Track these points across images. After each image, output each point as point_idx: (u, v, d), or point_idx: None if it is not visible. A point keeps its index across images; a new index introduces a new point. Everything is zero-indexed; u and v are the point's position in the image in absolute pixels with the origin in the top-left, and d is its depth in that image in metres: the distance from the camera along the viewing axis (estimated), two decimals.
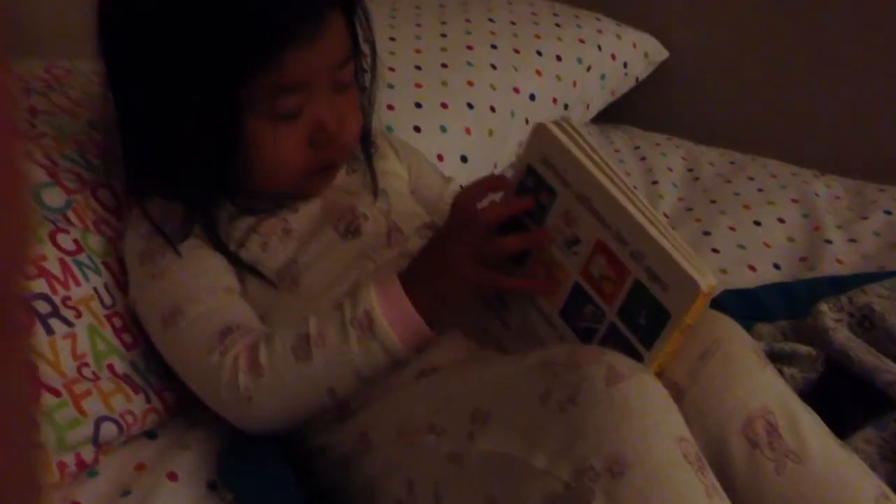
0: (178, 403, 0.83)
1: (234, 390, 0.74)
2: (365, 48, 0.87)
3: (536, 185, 0.74)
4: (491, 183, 0.79)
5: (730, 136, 1.57)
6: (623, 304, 0.69)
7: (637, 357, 0.67)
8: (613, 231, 0.68)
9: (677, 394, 0.68)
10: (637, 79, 1.61)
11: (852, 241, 1.21)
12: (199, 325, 0.77)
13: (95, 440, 0.75)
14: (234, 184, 0.83)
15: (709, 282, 0.64)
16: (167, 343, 0.80)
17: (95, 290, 0.81)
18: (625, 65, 1.55)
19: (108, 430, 0.76)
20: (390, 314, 0.74)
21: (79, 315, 0.79)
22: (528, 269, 0.76)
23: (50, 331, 0.76)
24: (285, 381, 0.74)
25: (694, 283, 0.64)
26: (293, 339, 0.75)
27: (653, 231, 0.66)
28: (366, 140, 0.91)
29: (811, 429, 0.69)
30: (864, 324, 0.97)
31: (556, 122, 0.73)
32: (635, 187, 1.30)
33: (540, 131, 0.73)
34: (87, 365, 0.78)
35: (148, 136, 0.82)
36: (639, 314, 0.67)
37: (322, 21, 0.77)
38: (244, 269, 0.82)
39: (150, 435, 0.82)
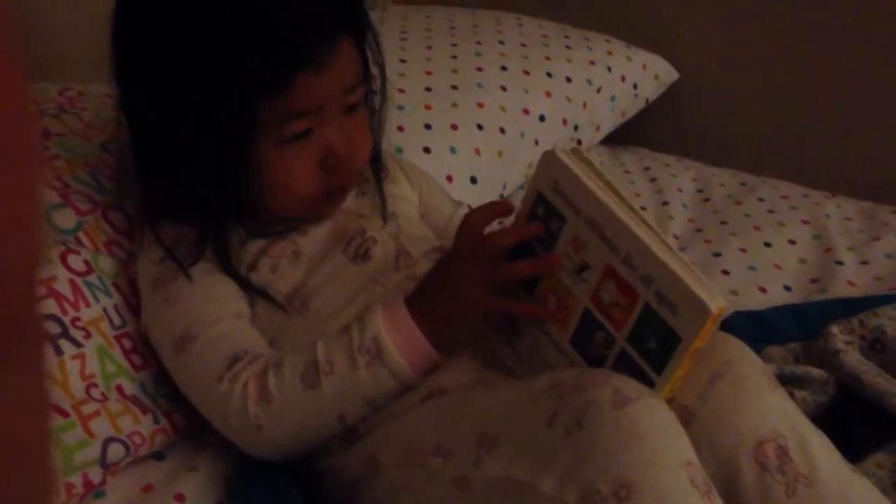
0: (188, 425, 0.83)
1: (243, 418, 0.74)
2: (375, 70, 0.87)
3: (546, 212, 0.74)
4: (499, 208, 0.79)
5: (740, 157, 1.57)
6: (633, 330, 0.68)
7: (648, 383, 0.66)
8: (622, 256, 0.68)
9: (687, 417, 0.68)
10: (647, 100, 1.61)
11: (864, 262, 1.21)
12: (209, 351, 0.77)
13: (103, 461, 0.75)
14: (244, 207, 0.83)
15: (718, 303, 0.64)
16: (178, 369, 0.80)
17: (105, 311, 0.82)
18: (635, 86, 1.56)
19: (116, 451, 0.76)
20: (398, 339, 0.74)
21: (88, 336, 0.79)
22: (537, 296, 0.76)
23: (59, 351, 0.77)
24: (294, 409, 0.74)
25: (703, 306, 0.63)
26: (302, 367, 0.75)
27: (661, 254, 0.66)
28: (376, 162, 0.91)
29: (822, 452, 0.68)
30: (876, 346, 0.96)
31: (564, 150, 0.73)
32: (643, 208, 1.30)
33: (549, 158, 0.73)
34: (95, 385, 0.78)
35: (160, 158, 0.82)
36: (649, 339, 0.67)
37: (333, 46, 0.77)
38: (254, 292, 0.82)
39: (158, 456, 0.82)
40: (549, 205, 0.74)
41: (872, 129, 1.54)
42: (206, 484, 0.78)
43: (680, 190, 1.43)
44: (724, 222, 1.31)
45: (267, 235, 0.84)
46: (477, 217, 0.78)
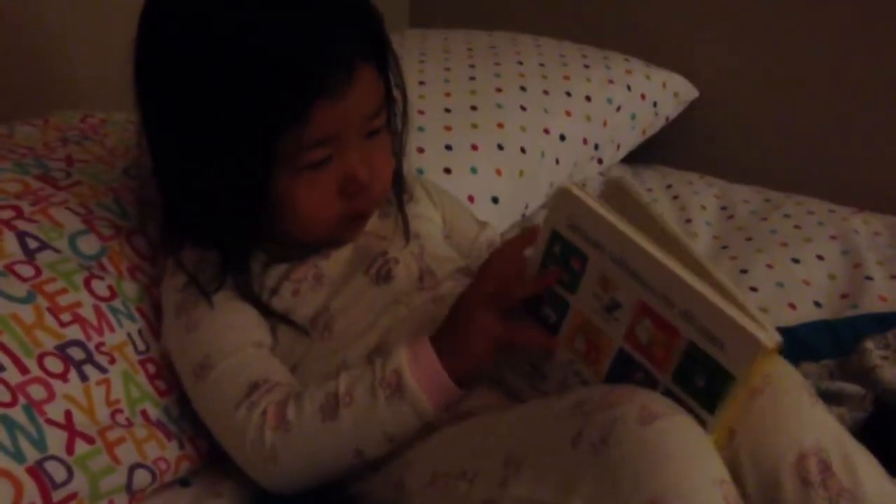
0: (212, 450, 0.82)
1: (259, 447, 0.74)
2: (396, 94, 0.86)
3: (564, 251, 0.70)
4: (524, 242, 0.76)
5: (763, 174, 1.56)
6: (677, 369, 0.64)
7: (700, 422, 0.62)
8: (657, 292, 0.64)
9: (727, 433, 0.66)
10: (667, 118, 1.60)
11: (894, 277, 1.19)
12: (227, 379, 0.77)
13: (129, 488, 0.74)
14: (266, 234, 0.82)
15: (772, 338, 0.60)
16: (197, 396, 0.79)
17: (129, 335, 0.81)
18: (655, 104, 1.55)
19: (142, 477, 0.75)
20: (420, 374, 0.73)
21: (113, 361, 0.78)
22: (562, 336, 0.72)
23: (84, 377, 0.76)
24: (311, 440, 0.73)
25: (755, 341, 0.59)
26: (322, 397, 0.74)
27: (700, 287, 0.62)
28: (398, 184, 0.91)
29: (865, 467, 0.66)
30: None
31: (577, 185, 0.70)
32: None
33: (562, 195, 0.69)
34: (120, 411, 0.77)
35: (180, 186, 0.82)
36: (696, 377, 0.63)
37: (351, 73, 0.76)
38: (276, 319, 0.81)
39: (184, 482, 0.81)
40: (566, 243, 0.70)
41: (889, 139, 1.53)
42: None
43: (703, 207, 1.41)
44: (749, 239, 1.30)
45: (289, 260, 0.84)
46: (498, 262, 0.77)
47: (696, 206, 1.41)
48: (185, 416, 0.82)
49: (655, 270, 0.64)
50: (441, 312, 0.78)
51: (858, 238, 1.28)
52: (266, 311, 0.81)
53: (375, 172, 0.81)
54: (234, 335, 0.79)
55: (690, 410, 0.63)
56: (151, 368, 0.81)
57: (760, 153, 1.65)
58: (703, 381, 0.62)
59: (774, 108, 1.63)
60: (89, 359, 0.77)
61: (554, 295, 0.72)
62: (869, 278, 1.18)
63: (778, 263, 1.22)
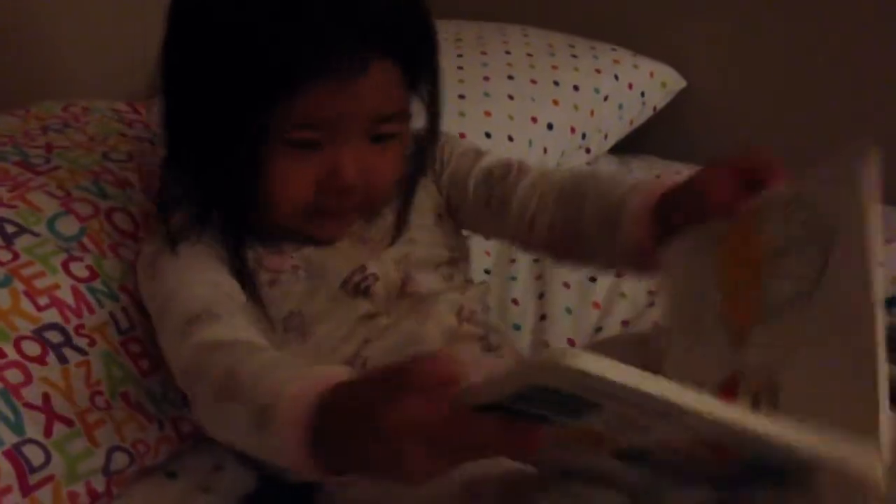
0: (194, 432, 0.82)
1: (183, 385, 0.69)
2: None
3: (550, 398, 0.45)
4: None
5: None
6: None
7: None
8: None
9: None
10: (655, 108, 1.60)
11: (879, 264, 1.18)
12: (178, 310, 0.71)
13: (106, 470, 0.74)
14: (252, 213, 0.79)
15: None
16: (161, 341, 0.74)
17: (112, 315, 0.80)
18: (642, 94, 1.55)
19: (120, 460, 0.75)
20: (287, 431, 0.56)
21: (93, 343, 0.78)
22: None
23: (63, 360, 0.75)
24: (203, 407, 0.66)
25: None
26: (223, 374, 0.63)
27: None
28: (408, 191, 0.85)
29: None
30: (893, 345, 0.94)
31: (573, 352, 0.43)
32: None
33: (551, 369, 0.42)
34: (100, 393, 0.77)
35: (186, 145, 0.78)
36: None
37: (368, 66, 0.71)
38: (253, 293, 0.78)
39: (171, 474, 0.81)
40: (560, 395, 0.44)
41: (881, 136, 1.52)
42: None
43: None
44: None
45: (267, 243, 0.80)
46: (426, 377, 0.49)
47: None
48: (169, 398, 0.81)
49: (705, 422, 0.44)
50: (421, 327, 0.76)
51: None
52: (246, 280, 0.77)
53: (367, 179, 0.76)
54: (199, 276, 0.75)
55: None
56: (135, 348, 0.80)
57: (747, 142, 1.65)
58: None
59: (761, 96, 1.63)
60: (67, 342, 0.76)
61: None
62: None
63: None
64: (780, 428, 0.42)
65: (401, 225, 0.84)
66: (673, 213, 0.72)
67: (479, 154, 0.90)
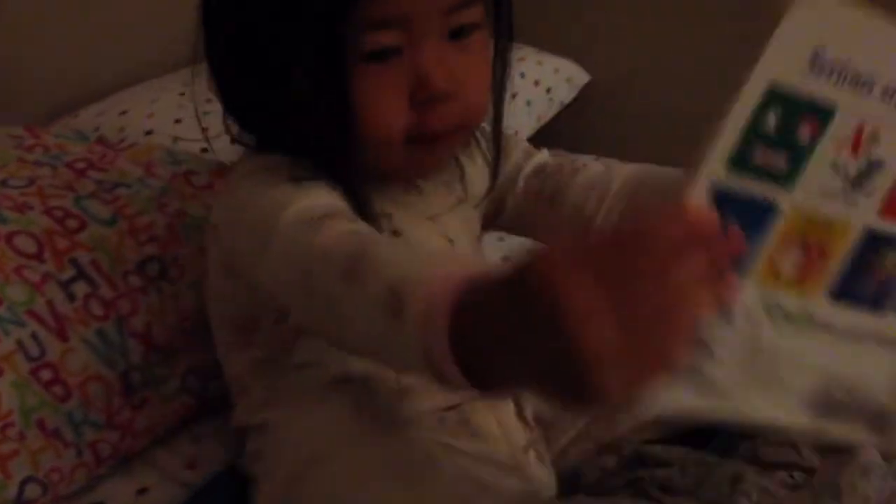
0: (113, 455, 0.80)
1: (294, 273, 0.59)
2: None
3: (786, 119, 0.44)
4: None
5: (655, 151, 1.60)
6: None
7: None
8: None
9: None
10: (562, 103, 1.63)
11: None
12: (301, 216, 0.61)
13: (18, 500, 0.72)
14: (349, 153, 0.68)
15: None
16: (265, 261, 0.62)
17: (20, 342, 0.77)
18: (548, 90, 1.58)
19: (33, 490, 0.73)
20: (431, 306, 0.46)
21: (1, 372, 0.75)
22: (761, 264, 0.46)
23: None
24: (322, 296, 0.57)
25: None
26: (355, 253, 0.55)
27: None
28: (497, 125, 0.76)
29: None
30: None
31: None
32: None
33: (808, 8, 0.42)
34: (12, 425, 0.74)
35: (259, 99, 0.69)
36: None
37: None
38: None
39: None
40: (794, 101, 0.44)
41: None
42: None
43: None
44: None
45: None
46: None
47: None
48: (89, 419, 0.79)
49: None
50: None
51: None
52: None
53: (458, 82, 0.67)
54: (314, 192, 0.65)
55: None
56: (46, 375, 0.78)
57: (652, 132, 1.69)
58: None
59: (663, 87, 1.68)
60: None
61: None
62: None
63: None
64: None
65: (496, 174, 0.79)
66: None
67: (529, 151, 0.87)
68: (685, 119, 1.64)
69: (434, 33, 0.65)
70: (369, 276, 0.52)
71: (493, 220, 0.86)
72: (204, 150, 0.96)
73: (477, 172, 0.82)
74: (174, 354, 0.85)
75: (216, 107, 0.75)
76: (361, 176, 0.69)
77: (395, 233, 0.71)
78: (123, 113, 1.24)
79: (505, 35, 0.74)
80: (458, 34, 0.67)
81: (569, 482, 0.78)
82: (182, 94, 1.24)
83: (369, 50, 0.64)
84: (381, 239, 0.61)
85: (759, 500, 0.72)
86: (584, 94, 1.67)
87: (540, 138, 1.62)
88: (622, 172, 0.81)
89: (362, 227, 0.61)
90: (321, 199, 0.64)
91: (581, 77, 1.66)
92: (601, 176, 0.82)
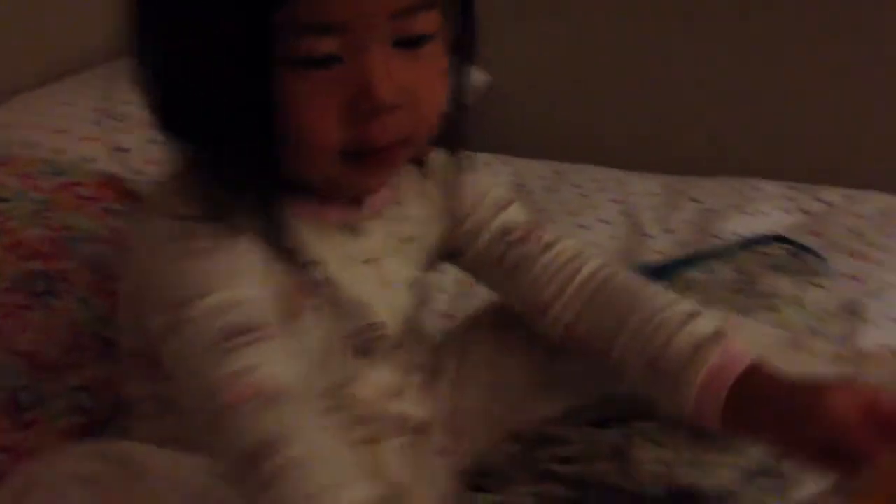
0: (2, 477, 0.79)
1: (244, 435, 0.57)
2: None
3: None
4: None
5: (555, 147, 1.65)
6: None
7: None
8: None
9: None
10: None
11: (668, 231, 1.29)
12: (210, 316, 0.59)
13: None
14: (277, 166, 0.63)
15: None
16: (169, 346, 0.61)
17: None
18: None
19: None
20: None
21: None
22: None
23: None
24: None
25: None
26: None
27: None
28: (452, 133, 0.72)
29: None
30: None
31: None
32: None
33: None
34: None
35: (186, 104, 0.63)
36: None
37: None
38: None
39: None
40: None
41: (665, 111, 1.66)
42: None
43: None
44: (541, 210, 1.37)
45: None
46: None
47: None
48: None
49: None
50: None
51: (636, 198, 1.38)
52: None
53: (406, 93, 0.61)
54: (235, 280, 0.61)
55: None
56: None
57: (552, 129, 1.75)
58: None
59: (561, 85, 1.74)
60: None
61: None
62: (648, 235, 1.28)
63: (567, 232, 1.28)
64: None
65: (457, 193, 0.76)
66: (771, 424, 0.67)
67: (499, 205, 0.82)
68: (580, 113, 1.70)
69: (378, 40, 0.60)
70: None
71: (446, 260, 0.83)
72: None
73: (426, 211, 0.78)
74: (63, 371, 0.84)
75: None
76: (289, 194, 0.65)
77: (327, 281, 0.68)
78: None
79: (465, 48, 0.69)
80: (409, 43, 0.62)
81: (477, 471, 0.82)
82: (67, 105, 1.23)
83: (304, 55, 0.59)
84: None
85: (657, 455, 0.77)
86: (485, 96, 1.70)
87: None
88: (590, 266, 0.79)
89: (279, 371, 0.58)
90: (241, 289, 0.61)
91: (482, 79, 1.69)
92: (568, 263, 0.79)
